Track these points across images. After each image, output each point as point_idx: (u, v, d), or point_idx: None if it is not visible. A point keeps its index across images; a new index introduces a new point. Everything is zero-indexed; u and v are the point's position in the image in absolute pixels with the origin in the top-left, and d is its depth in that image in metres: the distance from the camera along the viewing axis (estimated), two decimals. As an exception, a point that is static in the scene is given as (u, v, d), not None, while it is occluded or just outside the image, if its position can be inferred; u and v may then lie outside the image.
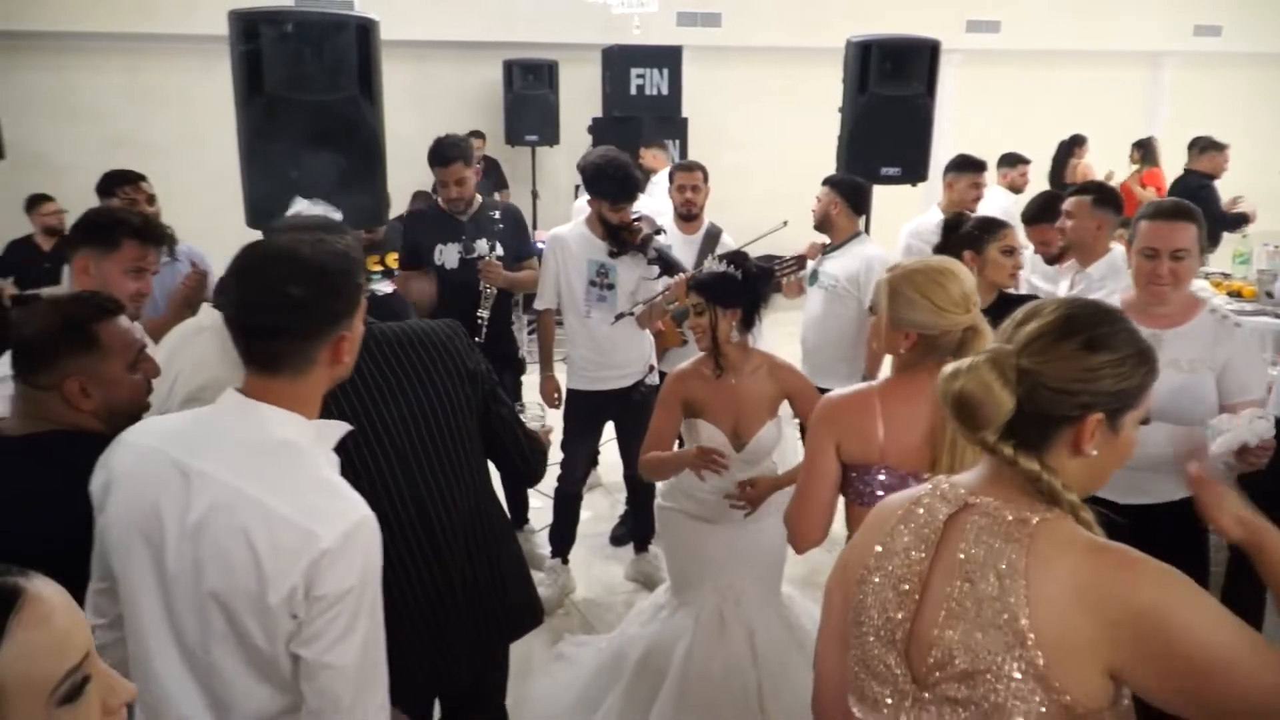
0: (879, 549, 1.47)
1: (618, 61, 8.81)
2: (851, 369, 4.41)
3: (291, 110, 3.39)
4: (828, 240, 4.55)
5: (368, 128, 3.52)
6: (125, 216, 2.50)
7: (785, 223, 4.31)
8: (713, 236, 4.68)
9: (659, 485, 3.35)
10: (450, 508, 2.16)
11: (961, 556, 1.36)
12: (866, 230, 5.31)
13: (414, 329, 2.22)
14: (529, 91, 9.35)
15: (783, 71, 10.28)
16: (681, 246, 4.60)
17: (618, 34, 8.87)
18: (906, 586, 1.41)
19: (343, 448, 1.71)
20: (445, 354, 2.19)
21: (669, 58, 8.91)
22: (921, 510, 1.45)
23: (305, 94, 3.40)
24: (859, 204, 4.58)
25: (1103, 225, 3.84)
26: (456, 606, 2.19)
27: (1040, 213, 4.32)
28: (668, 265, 4.08)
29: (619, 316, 4.05)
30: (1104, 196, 3.90)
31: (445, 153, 4.23)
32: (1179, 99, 11.94)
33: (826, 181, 4.56)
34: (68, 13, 7.99)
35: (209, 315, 2.41)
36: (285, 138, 3.40)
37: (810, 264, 4.54)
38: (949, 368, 1.42)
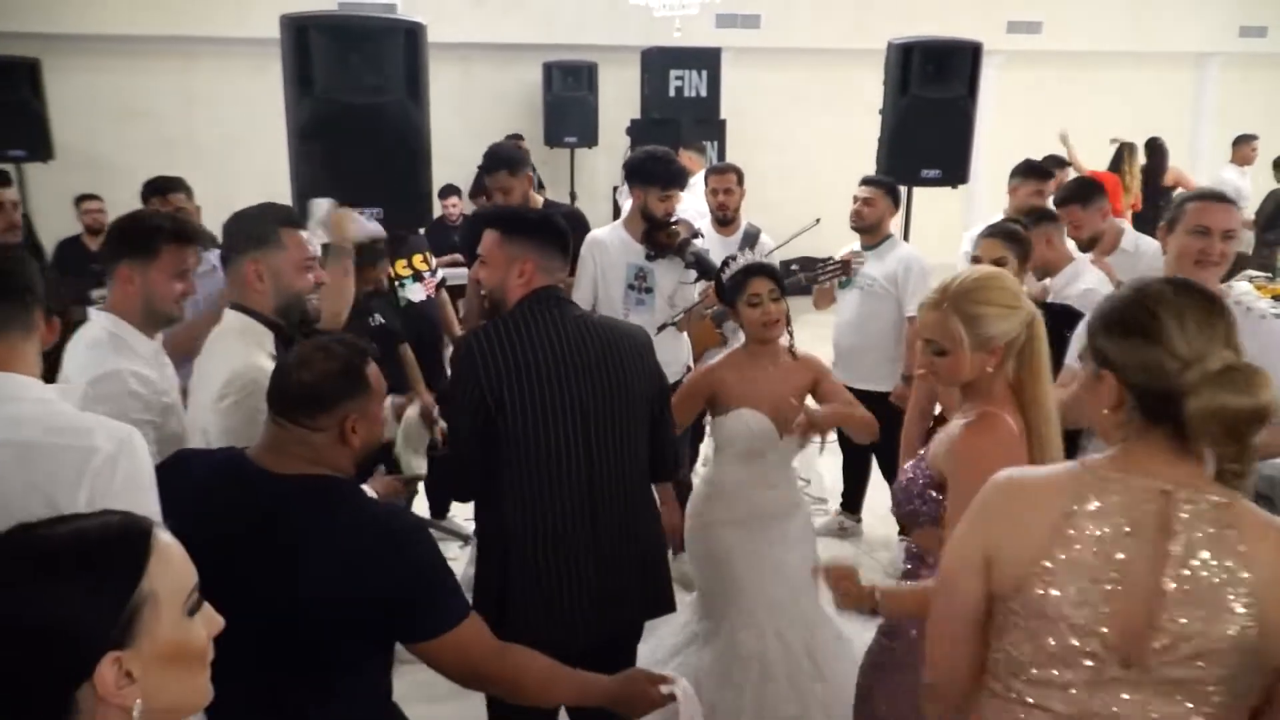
0: (1063, 540, 1.47)
1: (657, 63, 8.84)
2: (892, 369, 4.41)
3: (340, 112, 3.48)
4: (858, 247, 4.53)
5: (414, 129, 3.59)
6: (160, 222, 2.48)
7: (818, 220, 4.31)
8: (751, 237, 4.67)
9: (691, 500, 3.29)
10: (613, 480, 2.44)
11: (1179, 547, 1.42)
12: (906, 232, 5.34)
13: (622, 326, 2.60)
14: (568, 93, 9.40)
15: (822, 73, 10.25)
16: (719, 249, 4.58)
17: (657, 36, 8.90)
18: (1115, 578, 1.44)
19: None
20: (643, 352, 2.53)
21: (708, 60, 8.93)
22: (1107, 502, 1.47)
23: (353, 96, 3.48)
24: (899, 205, 4.59)
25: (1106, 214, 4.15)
26: (604, 564, 2.43)
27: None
28: (705, 269, 4.09)
29: (661, 328, 4.05)
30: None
31: (489, 161, 4.24)
32: (1224, 100, 11.77)
33: (876, 184, 4.50)
34: (121, 16, 8.16)
35: (235, 318, 2.53)
36: (333, 139, 3.48)
37: None
38: (1237, 377, 1.43)
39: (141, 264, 2.40)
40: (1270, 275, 6.57)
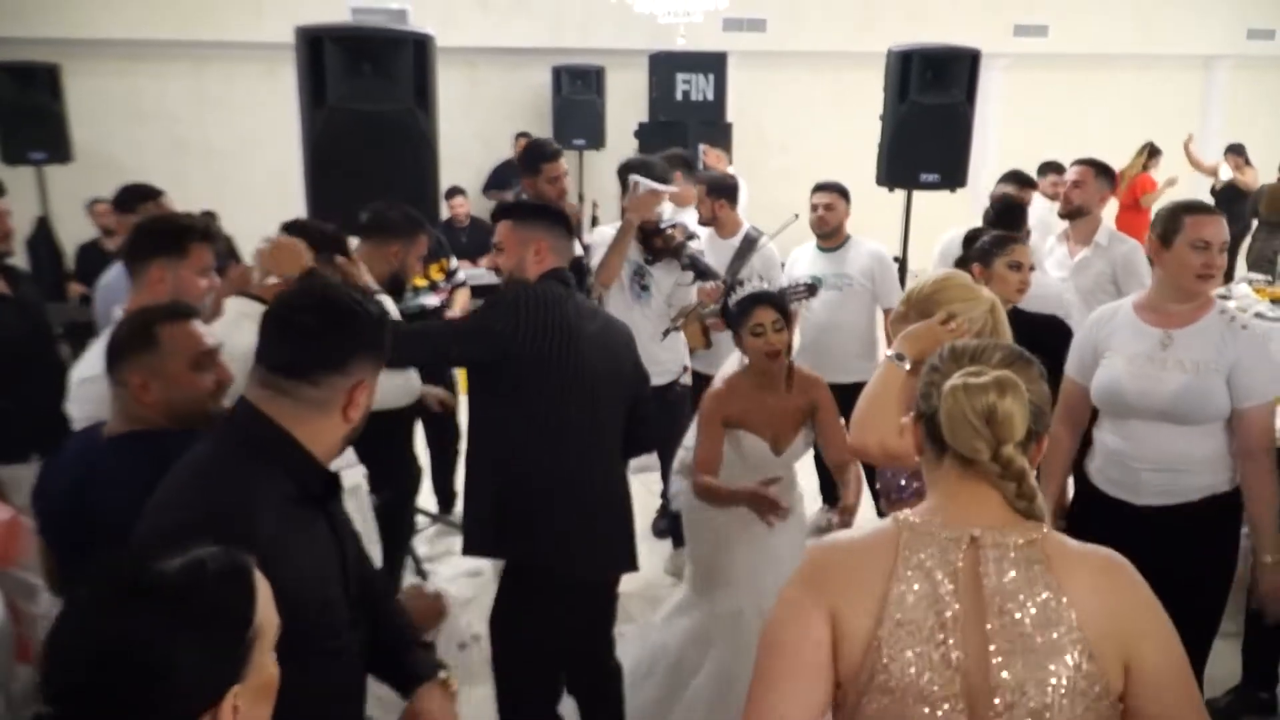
0: (892, 605, 1.38)
1: (664, 67, 8.93)
2: (862, 363, 4.43)
3: (352, 120, 3.59)
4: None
5: (422, 137, 3.71)
6: (190, 223, 2.62)
7: (796, 216, 4.41)
8: (751, 240, 4.72)
9: (687, 490, 3.38)
10: (602, 445, 2.77)
11: (988, 593, 1.36)
12: (905, 235, 5.44)
13: (619, 322, 2.98)
14: (577, 97, 9.50)
15: (828, 76, 10.33)
16: (721, 251, 4.66)
17: (664, 40, 9.00)
18: (943, 638, 1.35)
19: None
20: (630, 342, 2.91)
21: (714, 63, 9.01)
22: (925, 555, 1.39)
23: (365, 104, 3.59)
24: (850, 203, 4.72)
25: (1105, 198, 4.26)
26: (593, 511, 2.75)
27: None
28: (701, 271, 4.20)
29: (666, 332, 4.19)
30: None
31: (549, 151, 4.34)
32: (1231, 103, 11.79)
33: (833, 189, 4.60)
34: (138, 21, 8.30)
35: (249, 305, 2.62)
36: (345, 147, 3.60)
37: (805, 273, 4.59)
38: (977, 380, 1.39)
39: (174, 263, 2.51)
40: (1270, 279, 6.63)
